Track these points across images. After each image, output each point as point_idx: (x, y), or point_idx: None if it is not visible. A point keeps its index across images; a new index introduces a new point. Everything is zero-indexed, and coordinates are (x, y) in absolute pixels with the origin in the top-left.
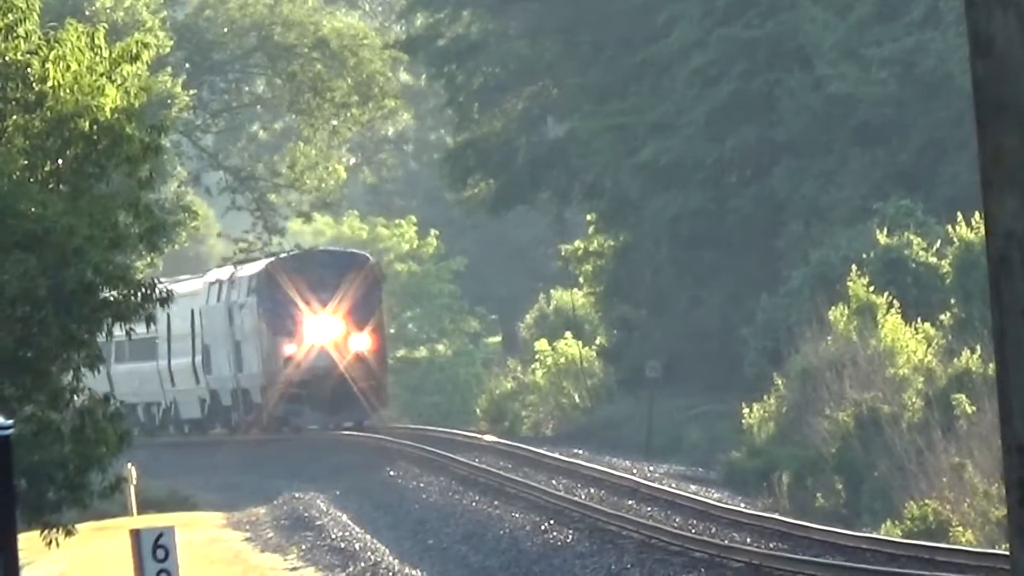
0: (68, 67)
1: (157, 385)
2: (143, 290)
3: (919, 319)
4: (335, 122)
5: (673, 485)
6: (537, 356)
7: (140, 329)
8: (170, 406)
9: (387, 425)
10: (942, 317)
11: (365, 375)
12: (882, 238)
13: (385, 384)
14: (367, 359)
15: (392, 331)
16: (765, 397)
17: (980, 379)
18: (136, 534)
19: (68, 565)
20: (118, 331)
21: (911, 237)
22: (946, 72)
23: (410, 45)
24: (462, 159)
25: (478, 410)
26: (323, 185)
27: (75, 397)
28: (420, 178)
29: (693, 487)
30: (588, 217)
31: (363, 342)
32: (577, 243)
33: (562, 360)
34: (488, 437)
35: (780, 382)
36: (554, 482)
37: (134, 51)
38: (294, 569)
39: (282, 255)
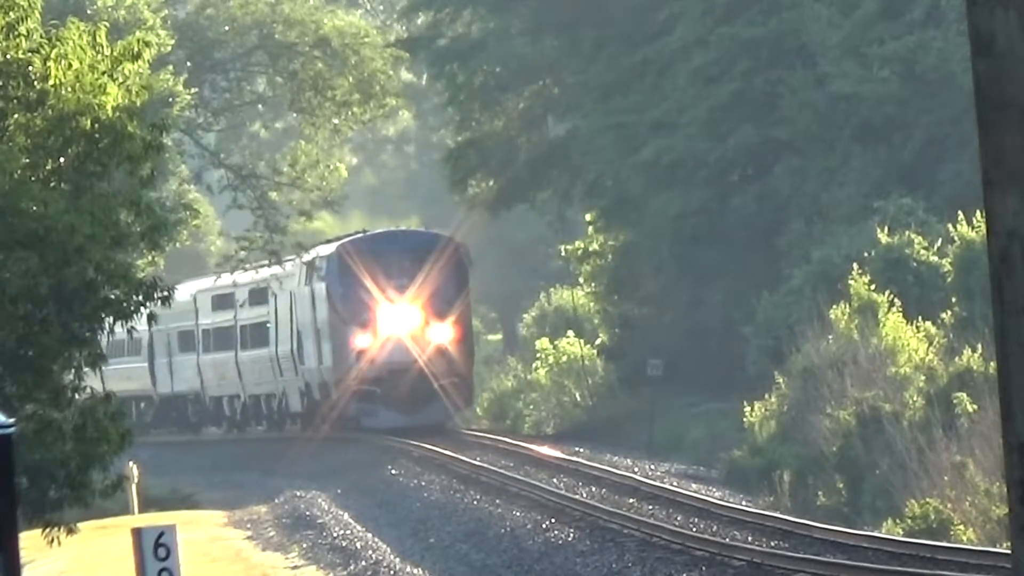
0: (70, 65)
1: (271, 374)
2: (144, 288)
3: (920, 318)
4: (336, 120)
5: (674, 483)
6: (539, 355)
7: (253, 312)
8: (281, 397)
9: (468, 426)
10: (943, 316)
11: (447, 370)
12: (883, 237)
13: (470, 380)
14: (449, 352)
15: None
16: (766, 395)
17: (981, 378)
18: (137, 533)
19: (69, 564)
20: (244, 313)
21: (912, 236)
22: (948, 71)
23: (411, 44)
24: (463, 159)
25: (479, 409)
26: (324, 184)
27: (76, 395)
28: (421, 179)
29: (694, 485)
30: (588, 217)
31: (445, 333)
32: (578, 242)
33: (564, 358)
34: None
35: (781, 381)
36: (555, 480)
37: (135, 49)
38: (295, 568)
39: (356, 235)
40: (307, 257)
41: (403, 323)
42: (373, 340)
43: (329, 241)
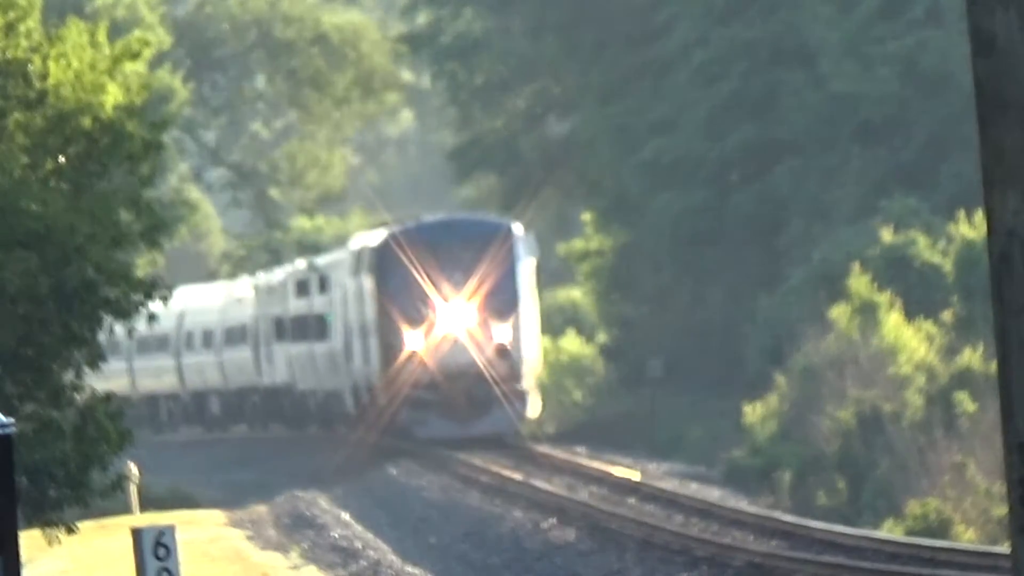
0: (69, 64)
1: (333, 370)
2: (144, 288)
3: (921, 317)
4: (336, 115)
5: (675, 483)
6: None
7: (320, 300)
8: (341, 396)
9: (526, 434)
10: (944, 315)
11: (509, 374)
12: (885, 235)
13: (534, 385)
14: (512, 355)
15: None
16: (767, 395)
17: (981, 377)
18: (137, 532)
19: (69, 563)
20: (316, 300)
21: (914, 235)
22: (948, 70)
23: (412, 43)
24: (466, 155)
25: None
26: (324, 181)
27: (76, 395)
28: (423, 180)
29: (694, 485)
30: (586, 216)
31: (507, 333)
32: (577, 242)
33: (564, 358)
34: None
35: (782, 380)
36: (555, 480)
37: (135, 48)
38: (295, 567)
39: (407, 224)
40: (355, 245)
41: (460, 321)
42: (426, 340)
43: (377, 228)
